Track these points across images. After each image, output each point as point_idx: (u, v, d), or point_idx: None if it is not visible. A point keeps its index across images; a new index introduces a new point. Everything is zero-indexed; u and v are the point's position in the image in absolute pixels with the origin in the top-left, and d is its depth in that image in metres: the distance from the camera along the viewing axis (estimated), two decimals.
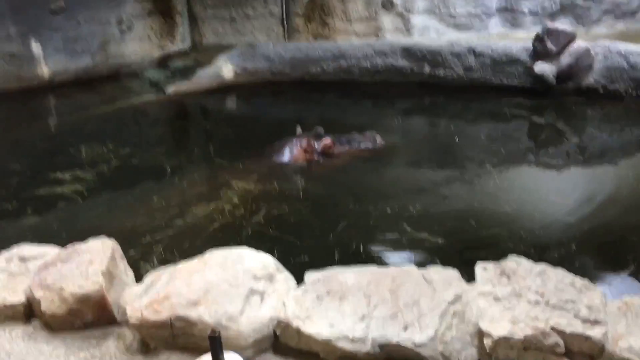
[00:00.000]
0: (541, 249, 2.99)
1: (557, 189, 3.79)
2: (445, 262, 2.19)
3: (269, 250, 2.20)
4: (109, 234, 2.33)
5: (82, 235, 2.60)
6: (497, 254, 2.21)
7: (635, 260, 2.87)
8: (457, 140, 4.99)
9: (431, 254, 2.96)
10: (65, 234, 3.26)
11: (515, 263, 1.99)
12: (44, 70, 7.00)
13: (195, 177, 4.14)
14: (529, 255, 2.84)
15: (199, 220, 3.37)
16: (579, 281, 1.90)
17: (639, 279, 2.75)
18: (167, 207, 3.56)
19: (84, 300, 2.02)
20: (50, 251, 2.35)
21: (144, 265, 2.87)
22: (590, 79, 5.63)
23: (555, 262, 2.78)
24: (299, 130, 4.66)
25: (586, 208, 3.47)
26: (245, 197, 3.67)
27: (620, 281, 2.74)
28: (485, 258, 2.09)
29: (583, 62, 5.61)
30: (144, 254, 3.01)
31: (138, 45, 7.84)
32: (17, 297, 2.13)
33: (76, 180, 4.12)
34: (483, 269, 2.01)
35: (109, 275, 2.10)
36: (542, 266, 1.98)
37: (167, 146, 5.03)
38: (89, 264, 2.10)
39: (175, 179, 4.11)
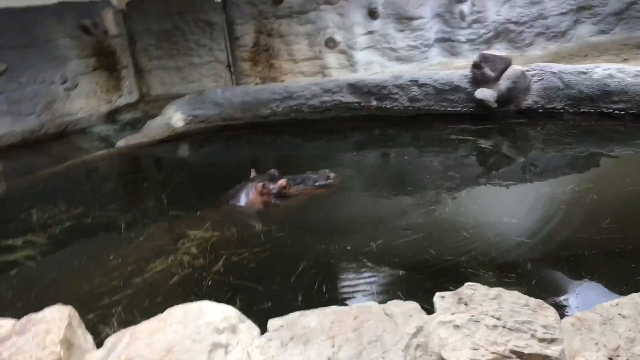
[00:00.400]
0: (499, 272, 3.03)
1: (510, 210, 3.87)
2: (408, 294, 2.21)
3: (231, 299, 2.21)
4: (66, 299, 2.28)
5: (37, 303, 2.52)
6: (457, 280, 2.24)
7: (588, 274, 2.96)
8: (410, 170, 5.07)
9: (394, 288, 2.97)
10: (20, 304, 3.20)
11: (471, 289, 2.03)
12: None
13: (152, 231, 4.08)
14: (488, 278, 2.93)
15: (157, 276, 3.32)
16: (533, 301, 1.95)
17: (592, 293, 2.84)
18: (124, 265, 3.49)
19: None
20: (4, 324, 2.27)
21: (104, 328, 2.79)
22: (529, 100, 5.87)
23: (513, 283, 2.87)
24: (253, 173, 4.65)
25: (539, 226, 3.57)
26: (204, 247, 3.64)
27: (575, 297, 2.81)
28: (446, 286, 2.12)
29: (521, 85, 5.84)
30: (103, 317, 2.93)
31: (84, 101, 7.76)
32: None
33: (28, 246, 4.02)
34: (441, 298, 2.05)
35: (67, 343, 2.04)
36: (497, 290, 2.02)
37: (121, 201, 4.96)
38: (45, 333, 2.04)
39: (131, 234, 4.06)
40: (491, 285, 2.07)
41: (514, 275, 2.99)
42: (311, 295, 2.95)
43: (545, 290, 2.84)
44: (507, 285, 2.06)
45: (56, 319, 2.11)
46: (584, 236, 3.41)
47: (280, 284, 3.11)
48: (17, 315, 2.23)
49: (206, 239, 3.76)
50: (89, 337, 2.21)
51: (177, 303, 2.14)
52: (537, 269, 3.07)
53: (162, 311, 2.12)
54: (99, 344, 2.16)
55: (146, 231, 4.09)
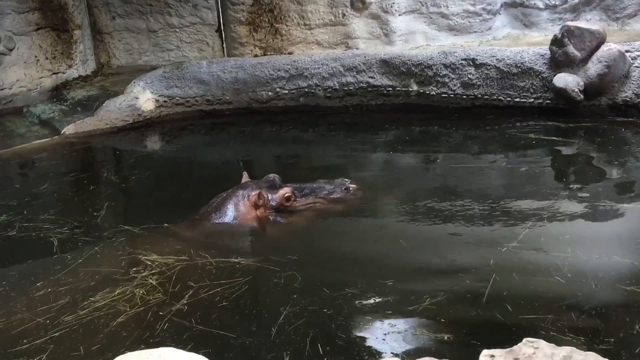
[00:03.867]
0: (594, 335, 2.90)
1: (614, 244, 3.74)
2: None
3: (192, 351, 2.17)
4: None
5: None
6: None
7: None
8: (463, 183, 5.00)
9: (433, 354, 2.83)
10: None
11: (532, 347, 2.00)
12: None
13: (96, 252, 4.09)
14: (577, 344, 2.80)
15: (97, 314, 3.31)
16: None
17: None
18: (55, 297, 3.50)
19: None
20: None
21: None
22: (628, 92, 5.79)
23: (611, 351, 2.74)
24: (245, 178, 4.65)
25: None
26: (166, 277, 3.63)
27: None
28: None
29: (617, 71, 5.77)
30: None
31: (23, 71, 7.87)
32: None
33: None
34: (490, 358, 2.00)
35: None
36: (567, 350, 1.98)
37: (60, 209, 4.96)
38: None
39: (68, 255, 4.07)
40: None
41: (612, 340, 2.87)
42: (302, 356, 2.88)
43: None
44: (604, 355, 1.97)
45: None
46: None
47: (263, 337, 3.05)
48: None
49: (170, 266, 3.75)
50: None
51: (120, 351, 2.17)
52: None
53: None
54: None
55: (88, 252, 4.09)
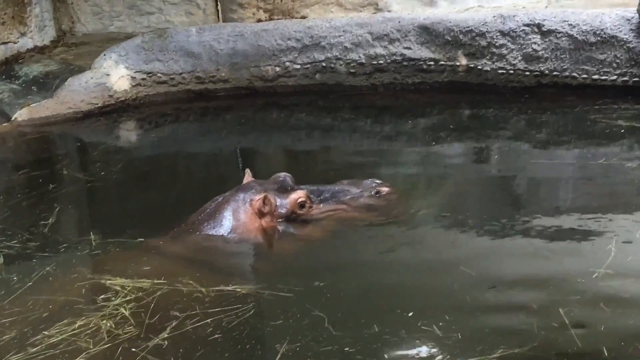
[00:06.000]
0: None
1: None
2: None
3: None
4: None
5: None
6: None
7: None
8: (529, 184, 4.99)
9: None
10: None
11: None
12: None
13: (52, 274, 4.02)
14: None
15: (51, 352, 3.25)
16: None
17: None
18: None
19: None
20: None
21: None
22: None
23: None
24: (248, 177, 4.61)
25: None
26: (142, 306, 3.58)
27: None
28: None
29: None
30: None
31: None
32: None
33: None
34: None
35: None
36: None
37: (7, 216, 4.96)
38: None
39: (14, 276, 4.01)
40: None
41: None
42: None
43: None
44: None
45: None
46: None
47: None
48: None
49: (147, 291, 3.69)
50: None
51: None
52: None
53: None
54: None
55: (40, 272, 4.02)
